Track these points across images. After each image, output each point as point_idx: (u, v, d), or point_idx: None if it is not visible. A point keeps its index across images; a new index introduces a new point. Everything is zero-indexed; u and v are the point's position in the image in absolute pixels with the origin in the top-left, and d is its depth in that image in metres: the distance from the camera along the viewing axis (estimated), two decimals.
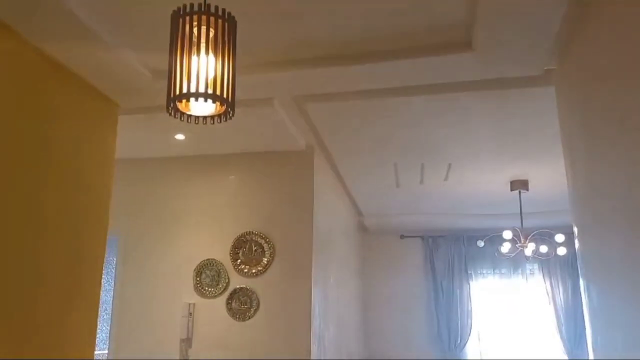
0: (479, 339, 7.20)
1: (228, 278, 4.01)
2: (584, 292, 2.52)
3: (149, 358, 4.00)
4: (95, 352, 5.03)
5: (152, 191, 4.33)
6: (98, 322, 5.18)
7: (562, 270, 7.03)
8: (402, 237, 7.61)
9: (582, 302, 6.43)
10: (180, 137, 3.84)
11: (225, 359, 3.90)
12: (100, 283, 3.13)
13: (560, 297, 7.00)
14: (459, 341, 7.17)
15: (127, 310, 4.17)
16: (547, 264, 7.03)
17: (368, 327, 7.28)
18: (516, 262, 7.13)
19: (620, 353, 2.11)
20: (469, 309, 7.25)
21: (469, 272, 7.36)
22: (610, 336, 2.22)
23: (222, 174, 4.29)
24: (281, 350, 3.86)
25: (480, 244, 5.45)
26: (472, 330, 7.18)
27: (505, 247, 5.28)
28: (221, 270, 4.03)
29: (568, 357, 6.79)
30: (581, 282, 2.55)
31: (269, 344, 3.88)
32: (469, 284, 7.32)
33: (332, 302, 4.82)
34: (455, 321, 7.21)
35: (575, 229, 2.61)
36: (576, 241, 2.60)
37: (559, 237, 5.10)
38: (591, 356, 2.41)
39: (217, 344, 3.93)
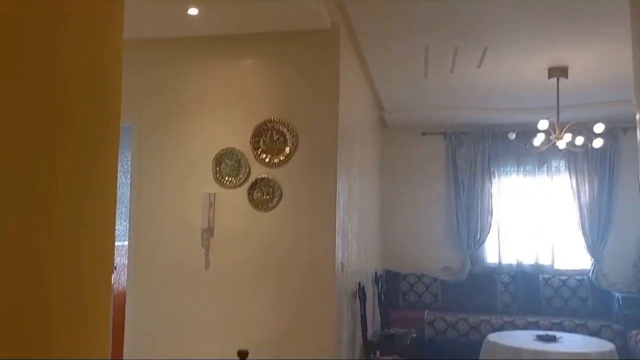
0: (498, 235, 7.14)
1: (249, 168, 3.82)
2: None
3: (170, 248, 3.92)
4: (116, 244, 5.01)
5: (167, 75, 4.04)
6: (117, 214, 5.11)
7: (589, 166, 6.81)
8: (423, 134, 7.35)
9: (607, 199, 6.24)
10: (193, 11, 3.49)
11: (248, 249, 3.80)
12: (116, 171, 2.94)
13: (585, 193, 6.83)
14: (477, 238, 7.12)
15: (145, 201, 4.03)
16: (574, 160, 6.81)
17: (387, 223, 7.22)
18: (542, 158, 6.90)
19: None
20: (490, 206, 7.13)
21: (492, 169, 7.16)
22: None
23: (240, 56, 3.98)
24: (305, 240, 3.75)
25: (512, 136, 5.17)
26: (491, 228, 7.11)
27: (539, 139, 5.00)
28: (241, 160, 3.83)
29: (589, 252, 6.75)
30: None
31: (293, 234, 3.76)
32: (491, 181, 7.15)
33: (355, 195, 4.67)
34: (475, 219, 7.12)
35: (638, 116, 2.35)
36: (638, 130, 2.35)
37: (598, 127, 4.80)
38: None
39: (239, 234, 3.82)
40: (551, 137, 4.93)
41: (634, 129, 2.51)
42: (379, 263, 6.66)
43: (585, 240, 6.78)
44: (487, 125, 6.94)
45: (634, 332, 5.74)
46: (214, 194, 3.86)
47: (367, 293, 5.04)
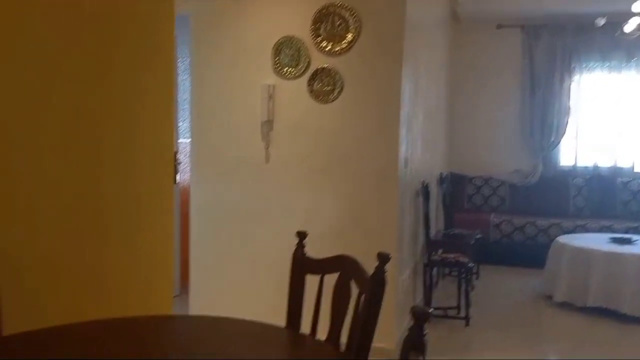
0: (575, 137, 6.73)
1: (309, 57, 3.64)
2: None
3: (231, 142, 3.90)
4: (179, 141, 5.07)
5: None
6: (179, 112, 5.11)
7: None
8: (498, 27, 6.83)
9: None
10: None
11: (308, 142, 3.72)
12: (174, 64, 2.85)
13: None
14: (552, 139, 6.74)
15: (206, 96, 3.97)
16: None
17: (455, 123, 6.94)
18: (630, 52, 6.31)
19: None
20: (568, 106, 6.68)
21: (573, 65, 6.63)
22: None
23: None
24: (368, 134, 3.61)
25: (600, 22, 4.66)
26: (568, 129, 6.69)
27: (631, 25, 4.49)
28: (301, 49, 3.65)
29: None
30: None
31: (355, 127, 3.63)
32: (570, 78, 6.65)
33: (421, 90, 4.43)
34: (551, 119, 6.72)
35: None
36: None
37: None
38: None
39: (299, 126, 3.72)
40: None
41: None
42: (444, 164, 6.47)
43: None
44: (569, 15, 6.34)
45: None
46: (273, 85, 3.74)
47: (431, 193, 4.92)
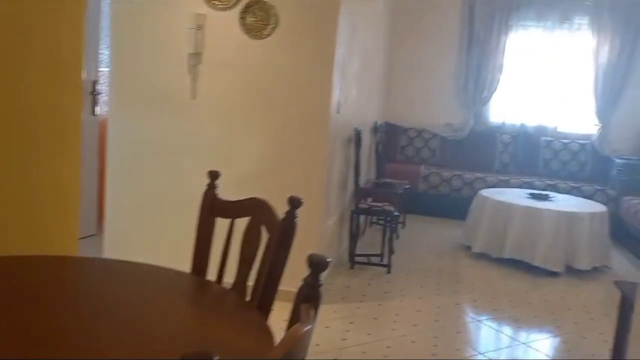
0: (506, 95, 6.85)
1: None
2: None
3: (154, 73, 3.65)
4: (99, 69, 4.72)
5: None
6: (100, 40, 4.73)
7: (614, 26, 6.37)
8: None
9: (625, 63, 5.90)
10: None
11: (238, 79, 3.55)
12: None
13: (605, 55, 6.44)
14: (484, 95, 6.84)
15: (127, 23, 3.66)
16: (598, 17, 6.35)
17: (393, 74, 6.89)
18: (565, 13, 6.41)
19: None
20: (501, 63, 6.75)
21: (510, 23, 6.67)
22: None
23: None
24: (300, 74, 3.48)
25: None
26: (499, 85, 6.80)
27: None
28: None
29: (598, 117, 6.54)
30: None
31: (287, 66, 3.48)
32: (507, 35, 6.69)
33: (359, 35, 4.30)
34: (485, 75, 6.79)
35: None
36: None
37: None
38: None
39: (229, 61, 3.53)
40: None
41: None
42: (380, 114, 6.45)
43: (596, 104, 6.53)
44: None
45: (627, 197, 5.70)
46: (204, 15, 3.50)
47: (364, 141, 4.89)
